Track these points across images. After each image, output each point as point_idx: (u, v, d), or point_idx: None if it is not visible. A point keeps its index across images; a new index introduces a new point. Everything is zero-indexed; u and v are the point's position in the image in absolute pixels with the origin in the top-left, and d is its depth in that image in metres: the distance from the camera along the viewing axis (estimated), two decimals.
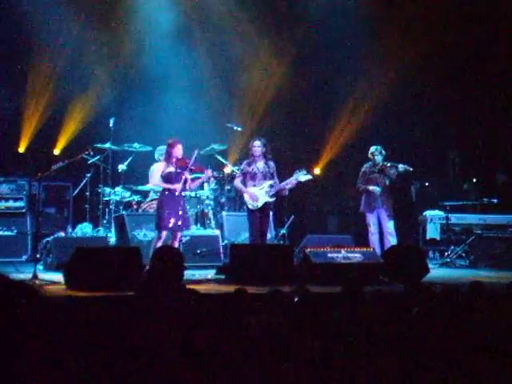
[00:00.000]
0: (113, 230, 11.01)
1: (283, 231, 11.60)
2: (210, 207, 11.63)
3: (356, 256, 9.29)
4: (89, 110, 12.61)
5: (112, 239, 10.89)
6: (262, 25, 13.26)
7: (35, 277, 8.76)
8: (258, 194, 9.87)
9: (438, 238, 12.52)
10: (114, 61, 12.71)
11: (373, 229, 10.97)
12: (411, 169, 11.00)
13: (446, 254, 12.01)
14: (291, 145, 13.48)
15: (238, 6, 13.15)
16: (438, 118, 13.86)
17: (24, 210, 11.65)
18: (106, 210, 11.20)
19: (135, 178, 11.55)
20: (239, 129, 11.96)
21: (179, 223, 9.24)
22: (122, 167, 11.21)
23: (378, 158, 11.05)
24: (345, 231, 12.87)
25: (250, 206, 9.90)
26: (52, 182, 12.01)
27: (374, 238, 10.93)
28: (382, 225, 10.96)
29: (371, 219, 10.98)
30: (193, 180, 9.51)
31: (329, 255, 9.21)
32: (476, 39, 13.16)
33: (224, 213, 11.74)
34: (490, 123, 13.65)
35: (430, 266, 9.99)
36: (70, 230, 11.55)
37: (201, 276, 9.38)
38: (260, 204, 9.86)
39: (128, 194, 11.21)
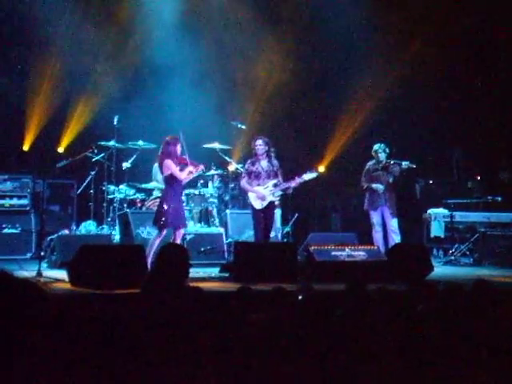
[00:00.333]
0: (117, 227, 11.02)
1: (287, 229, 11.60)
2: (214, 205, 11.64)
3: (360, 254, 9.29)
4: (93, 107, 12.61)
5: (116, 237, 10.90)
6: (266, 21, 13.24)
7: (39, 274, 8.78)
8: (264, 192, 9.90)
9: (442, 236, 12.51)
10: (118, 58, 12.70)
11: (377, 227, 10.96)
12: (414, 166, 10.99)
13: (450, 252, 12.00)
14: (295, 143, 13.46)
15: (241, 1, 13.14)
16: (442, 115, 13.83)
17: (28, 208, 11.67)
18: (110, 207, 11.21)
19: (139, 175, 11.56)
20: (243, 127, 11.96)
21: (181, 221, 9.29)
22: (126, 165, 11.22)
23: (382, 156, 11.05)
24: (348, 229, 12.85)
25: (255, 206, 9.91)
26: (56, 179, 12.03)
27: (377, 235, 10.93)
28: (385, 223, 10.96)
29: (375, 217, 10.98)
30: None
31: (333, 253, 9.21)
32: (480, 36, 13.14)
33: (228, 211, 11.74)
34: (495, 121, 13.62)
35: (434, 264, 9.98)
36: (74, 227, 11.55)
37: (205, 274, 9.38)
38: (266, 203, 9.89)
39: (132, 191, 11.22)
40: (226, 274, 9.26)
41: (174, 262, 4.84)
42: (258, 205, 9.91)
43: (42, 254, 9.97)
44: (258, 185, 9.97)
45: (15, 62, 12.40)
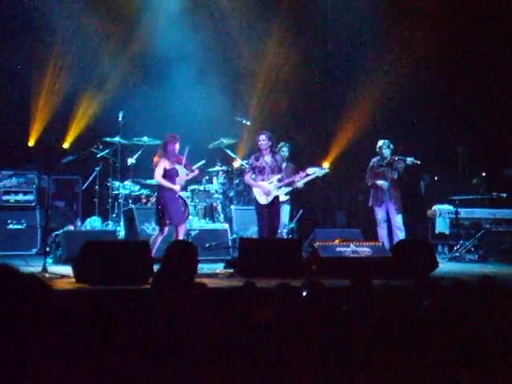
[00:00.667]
0: (122, 223, 11.03)
1: (292, 225, 11.60)
2: (218, 201, 11.65)
3: (365, 250, 9.28)
4: (98, 103, 12.62)
5: (121, 233, 10.91)
6: (270, 13, 13.21)
7: (45, 270, 8.80)
8: (269, 187, 9.91)
9: (447, 233, 12.49)
10: (123, 54, 12.70)
11: (381, 223, 10.96)
12: (419, 162, 10.98)
13: (455, 248, 11.98)
14: (300, 138, 13.45)
15: None
16: (448, 112, 13.81)
17: (33, 204, 11.68)
18: (115, 203, 11.22)
19: (144, 171, 11.55)
20: (248, 123, 11.97)
21: (182, 217, 9.34)
22: (131, 161, 11.22)
23: (386, 152, 11.04)
24: (353, 225, 12.85)
25: (259, 201, 9.92)
26: (61, 175, 12.04)
27: (382, 232, 10.92)
28: (390, 219, 10.95)
29: (380, 213, 10.97)
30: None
31: (337, 249, 9.21)
32: (487, 33, 13.11)
33: (233, 207, 11.75)
34: (500, 117, 13.58)
35: (439, 260, 9.97)
36: (79, 223, 11.57)
37: (209, 270, 9.39)
38: (270, 198, 9.90)
39: (137, 187, 11.22)
40: (231, 270, 9.27)
41: (183, 258, 4.85)
42: (263, 200, 9.92)
43: (47, 249, 9.98)
44: (263, 180, 9.99)
45: (20, 58, 12.39)
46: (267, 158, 10.06)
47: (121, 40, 12.67)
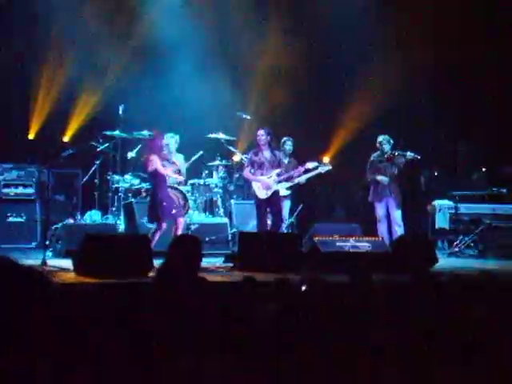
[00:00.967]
0: (122, 217, 11.03)
1: (292, 220, 11.61)
2: (218, 195, 11.65)
3: (364, 245, 9.30)
4: (98, 97, 12.60)
5: (121, 226, 10.91)
6: (274, 8, 13.20)
7: (44, 263, 8.82)
8: (268, 182, 9.92)
9: (447, 228, 12.49)
10: (124, 47, 12.67)
11: (381, 218, 10.96)
12: (419, 156, 10.99)
13: (455, 243, 11.98)
14: (300, 134, 13.44)
15: None
16: (448, 107, 13.80)
17: (33, 197, 11.69)
18: (115, 197, 11.22)
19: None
20: (248, 117, 11.96)
21: (178, 211, 9.36)
22: (131, 154, 11.22)
23: (386, 147, 11.04)
24: (352, 220, 12.85)
25: (259, 196, 9.93)
26: (61, 169, 12.03)
27: (382, 227, 10.93)
28: (390, 214, 10.95)
29: (380, 209, 10.98)
30: None
31: (337, 244, 9.23)
32: (487, 28, 13.10)
33: (233, 201, 11.76)
34: (500, 113, 13.58)
35: (439, 255, 9.98)
36: (79, 217, 11.56)
37: (209, 264, 9.39)
38: (270, 193, 9.91)
39: (137, 181, 11.22)
40: (231, 264, 9.28)
41: (188, 252, 4.86)
42: (263, 194, 9.94)
43: (47, 243, 10.01)
44: (262, 174, 10.01)
45: (20, 51, 12.37)
46: (266, 153, 10.08)
47: (121, 33, 12.63)
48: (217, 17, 13.12)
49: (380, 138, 11.10)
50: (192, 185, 11.32)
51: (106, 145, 11.32)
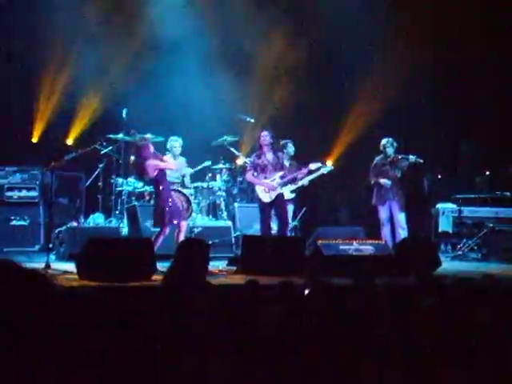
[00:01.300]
0: (125, 220, 11.04)
1: (295, 223, 11.61)
2: (222, 198, 11.65)
3: (368, 248, 9.28)
4: (102, 100, 12.61)
5: (124, 230, 10.92)
6: (275, 10, 13.20)
7: (48, 266, 8.82)
8: (273, 185, 9.91)
9: (451, 231, 12.49)
10: (127, 50, 12.68)
11: (385, 221, 10.96)
12: (422, 160, 10.99)
13: (458, 246, 11.98)
14: (303, 136, 13.44)
15: None
16: (448, 107, 13.79)
17: (37, 200, 11.69)
18: (119, 200, 11.23)
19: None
20: (251, 120, 11.96)
21: (181, 214, 9.37)
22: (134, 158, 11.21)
23: (390, 151, 11.04)
24: (356, 223, 12.83)
25: (263, 200, 9.91)
26: (65, 172, 12.04)
27: (385, 230, 10.93)
28: (393, 217, 10.95)
29: (383, 212, 10.97)
30: None
31: (340, 247, 9.21)
32: (491, 29, 13.09)
33: (236, 204, 11.76)
34: (500, 112, 13.57)
35: (442, 258, 9.97)
36: (82, 220, 11.58)
37: (212, 267, 9.38)
38: (274, 196, 9.89)
39: (140, 184, 11.22)
40: (234, 268, 9.27)
41: (195, 256, 4.86)
42: (266, 198, 9.91)
43: (51, 246, 10.01)
44: (265, 178, 9.98)
45: (21, 53, 12.38)
46: (269, 156, 10.05)
47: (124, 35, 12.65)
48: (219, 18, 13.11)
49: (383, 141, 11.10)
50: (195, 188, 11.32)
51: (110, 148, 11.32)
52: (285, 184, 10.06)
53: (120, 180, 11.21)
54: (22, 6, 12.18)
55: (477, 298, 4.53)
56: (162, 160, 9.45)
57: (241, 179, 11.96)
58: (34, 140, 12.57)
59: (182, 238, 9.10)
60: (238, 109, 12.38)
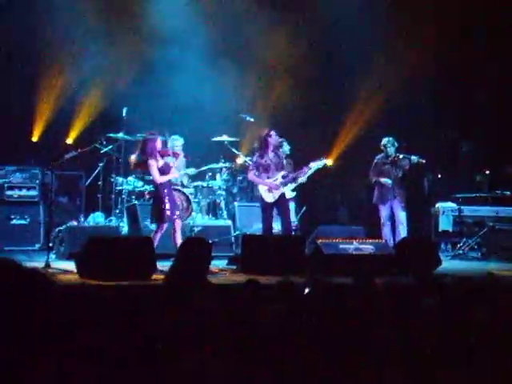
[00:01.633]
0: (125, 219, 11.04)
1: (296, 222, 11.60)
2: (222, 197, 11.65)
3: (368, 247, 9.28)
4: (102, 99, 12.61)
5: (124, 229, 10.92)
6: (275, 10, 13.20)
7: (48, 265, 8.83)
8: (276, 184, 9.91)
9: (451, 230, 12.49)
10: (128, 50, 12.68)
11: (385, 220, 10.96)
12: (424, 160, 10.98)
13: (459, 246, 11.98)
14: (303, 135, 13.44)
15: None
16: (451, 109, 13.79)
17: (37, 199, 11.71)
18: (119, 199, 11.23)
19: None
20: (251, 119, 11.96)
21: (179, 213, 9.36)
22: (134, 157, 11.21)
23: (391, 150, 11.03)
24: (356, 223, 12.84)
25: (266, 199, 9.89)
26: (65, 171, 12.05)
27: (386, 229, 10.93)
28: (394, 216, 10.95)
29: (384, 211, 10.97)
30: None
31: (340, 246, 9.21)
32: (491, 28, 13.09)
33: (236, 203, 11.76)
34: (503, 115, 13.57)
35: (442, 257, 9.98)
36: (82, 219, 11.59)
37: (212, 266, 9.37)
38: (277, 195, 9.89)
39: (140, 183, 11.22)
40: (234, 267, 9.28)
41: (198, 255, 4.86)
42: (270, 198, 9.90)
43: (51, 245, 10.02)
44: (268, 177, 9.97)
45: (23, 54, 12.39)
46: (271, 155, 10.05)
47: (125, 35, 12.65)
48: (220, 17, 13.12)
49: (384, 141, 11.09)
50: (195, 187, 11.32)
51: (110, 147, 11.32)
52: (286, 183, 10.06)
53: (120, 179, 11.21)
54: (21, 6, 12.18)
55: (477, 297, 4.53)
56: (168, 155, 9.44)
57: (241, 178, 11.97)
58: (34, 139, 12.58)
59: (178, 236, 9.09)
60: (239, 108, 12.37)
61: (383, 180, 10.92)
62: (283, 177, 10.00)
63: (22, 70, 12.33)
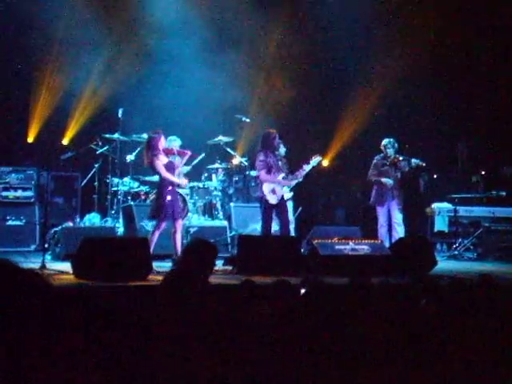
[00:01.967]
0: (121, 220, 11.03)
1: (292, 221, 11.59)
2: (218, 198, 11.65)
3: (364, 248, 9.27)
4: (98, 100, 12.61)
5: (120, 229, 10.91)
6: (275, 10, 13.20)
7: (43, 266, 8.80)
8: (286, 183, 9.94)
9: (446, 231, 12.51)
10: (123, 50, 12.68)
11: (382, 221, 10.94)
12: (424, 164, 10.98)
13: (454, 246, 11.99)
14: (300, 136, 13.46)
15: None
16: (447, 110, 13.81)
17: (32, 200, 11.69)
18: (115, 200, 11.22)
19: (143, 168, 11.55)
20: (247, 120, 11.96)
21: (180, 212, 9.34)
22: (130, 157, 11.22)
23: (390, 151, 11.01)
24: (352, 223, 12.85)
25: (270, 201, 9.86)
26: (60, 171, 12.04)
27: (382, 230, 10.91)
28: (391, 217, 10.93)
29: (381, 212, 10.95)
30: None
31: (336, 247, 9.20)
32: (487, 29, 13.12)
33: (232, 204, 11.75)
34: (499, 116, 13.60)
35: (438, 258, 9.97)
36: (78, 220, 11.58)
37: None
38: (279, 197, 9.90)
39: (136, 184, 11.22)
40: (230, 267, 9.26)
41: (203, 258, 4.86)
42: (273, 199, 9.88)
43: (46, 246, 10.00)
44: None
45: (19, 54, 12.38)
46: (272, 156, 10.05)
47: (121, 36, 12.65)
48: (217, 16, 13.11)
49: (385, 142, 11.07)
50: (191, 188, 11.32)
51: (106, 148, 11.32)
52: (292, 180, 10.07)
53: (116, 180, 11.21)
54: (21, 7, 12.17)
55: (473, 298, 4.54)
56: (173, 154, 9.44)
57: (237, 179, 11.96)
58: (30, 140, 12.57)
59: (178, 237, 9.10)
60: (235, 109, 12.37)
61: (384, 180, 10.87)
62: (284, 178, 10.01)
63: (18, 71, 12.32)
